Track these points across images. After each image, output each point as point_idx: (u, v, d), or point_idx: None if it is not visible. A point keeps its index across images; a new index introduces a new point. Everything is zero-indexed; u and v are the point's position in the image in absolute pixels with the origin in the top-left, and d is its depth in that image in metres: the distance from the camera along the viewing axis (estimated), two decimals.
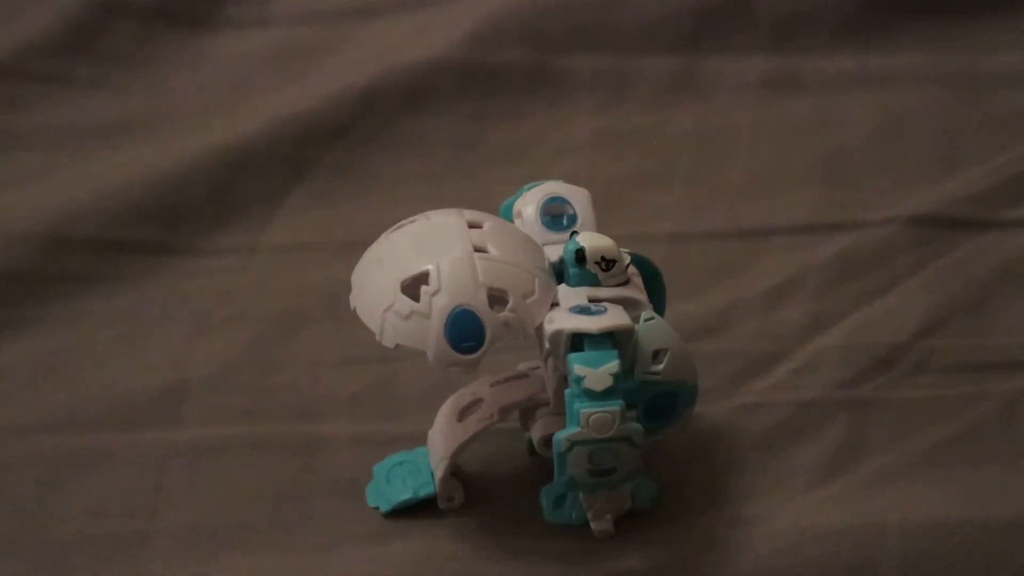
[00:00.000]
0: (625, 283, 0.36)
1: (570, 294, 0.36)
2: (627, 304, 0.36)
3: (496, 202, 0.40)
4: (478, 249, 0.36)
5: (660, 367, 0.36)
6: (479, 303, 0.35)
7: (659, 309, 0.38)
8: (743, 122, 0.51)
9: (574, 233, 0.36)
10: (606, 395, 0.34)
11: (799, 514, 0.38)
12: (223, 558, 0.37)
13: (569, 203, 0.38)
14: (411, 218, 0.37)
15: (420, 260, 0.35)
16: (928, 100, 0.51)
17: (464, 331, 0.35)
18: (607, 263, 0.36)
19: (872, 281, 0.45)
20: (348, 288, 0.37)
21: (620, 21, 0.53)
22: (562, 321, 0.35)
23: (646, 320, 0.36)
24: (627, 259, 0.36)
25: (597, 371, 0.34)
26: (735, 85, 0.52)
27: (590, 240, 0.36)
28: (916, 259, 0.46)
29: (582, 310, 0.35)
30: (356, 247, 0.38)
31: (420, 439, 0.39)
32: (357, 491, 0.39)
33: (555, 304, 0.36)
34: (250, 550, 0.37)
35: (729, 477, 0.39)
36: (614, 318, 0.35)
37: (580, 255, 0.36)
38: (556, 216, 0.38)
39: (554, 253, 0.37)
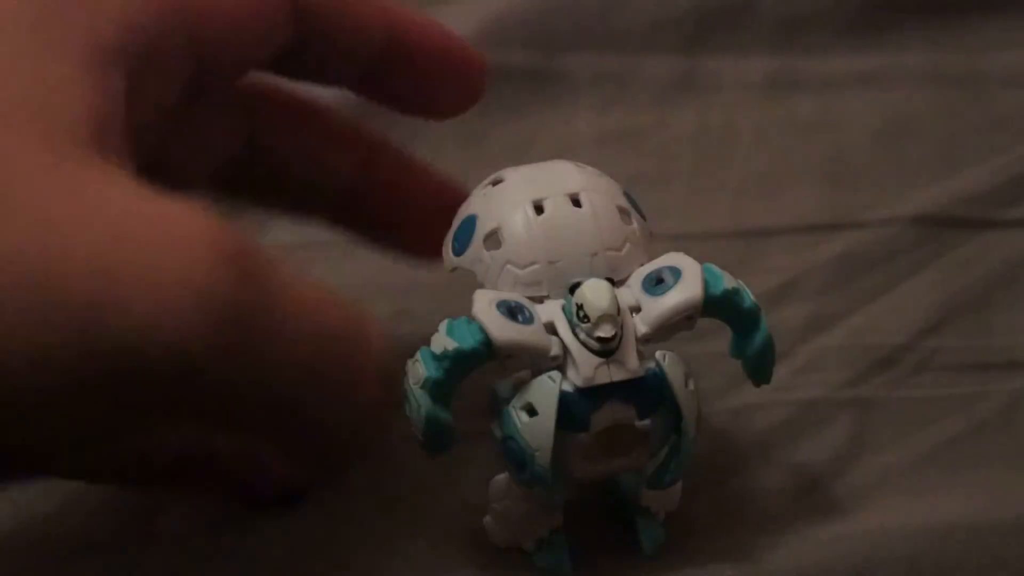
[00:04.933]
0: None
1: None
2: None
3: None
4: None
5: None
6: None
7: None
8: (745, 122, 0.51)
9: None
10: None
11: (800, 515, 0.38)
12: (226, 557, 0.37)
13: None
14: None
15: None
16: (930, 100, 0.51)
17: None
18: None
19: (874, 281, 0.45)
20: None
21: (622, 21, 0.53)
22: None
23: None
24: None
25: None
26: (737, 85, 0.52)
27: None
28: (918, 259, 0.46)
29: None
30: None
31: None
32: None
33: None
34: (253, 549, 0.37)
35: (729, 478, 0.39)
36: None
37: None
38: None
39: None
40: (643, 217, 0.36)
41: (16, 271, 0.26)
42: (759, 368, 0.35)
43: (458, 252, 0.35)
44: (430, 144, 0.50)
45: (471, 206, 0.35)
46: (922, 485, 0.39)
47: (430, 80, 0.35)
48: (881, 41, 0.53)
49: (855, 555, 0.36)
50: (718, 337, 0.41)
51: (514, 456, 0.33)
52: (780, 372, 0.42)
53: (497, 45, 0.52)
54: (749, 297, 0.34)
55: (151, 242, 0.27)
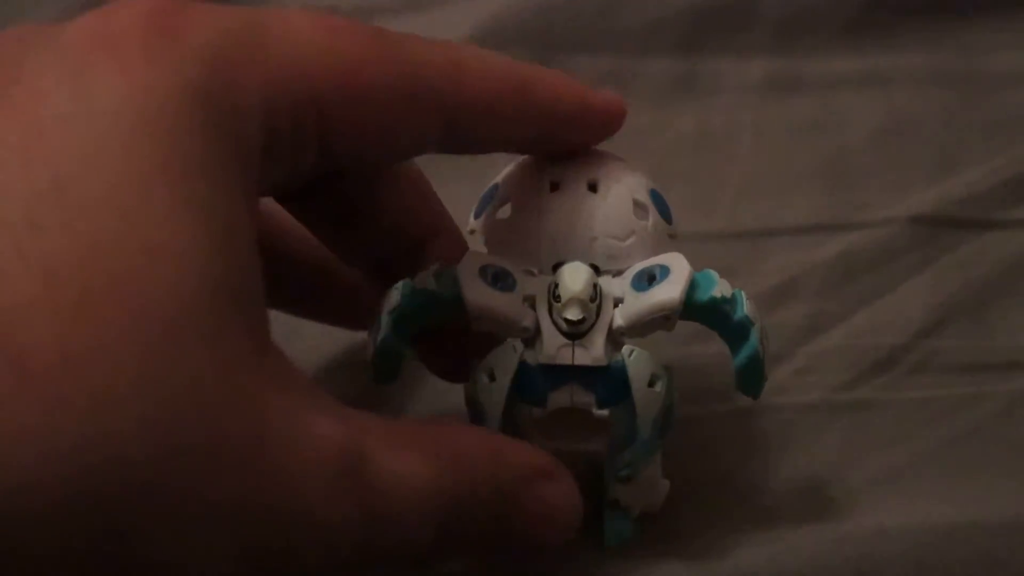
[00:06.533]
0: None
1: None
2: None
3: None
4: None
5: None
6: None
7: None
8: (744, 122, 0.51)
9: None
10: None
11: (800, 515, 0.38)
12: None
13: None
14: None
15: None
16: (929, 100, 0.51)
17: None
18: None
19: (873, 281, 0.45)
20: None
21: (621, 21, 0.53)
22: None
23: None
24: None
25: None
26: (736, 85, 0.52)
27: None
28: (917, 259, 0.46)
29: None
30: None
31: None
32: None
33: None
34: None
35: (729, 480, 0.39)
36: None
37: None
38: None
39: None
40: (667, 218, 0.36)
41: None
42: (746, 382, 0.35)
43: (476, 215, 0.36)
44: None
45: (501, 174, 0.36)
46: (922, 486, 0.39)
47: (574, 140, 0.35)
48: (881, 41, 0.53)
49: (855, 555, 0.36)
50: (719, 339, 0.41)
51: (474, 417, 0.34)
52: (780, 373, 0.42)
53: (495, 45, 0.52)
54: (743, 309, 0.34)
55: (298, 469, 0.27)
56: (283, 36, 0.29)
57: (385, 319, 0.33)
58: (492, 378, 0.33)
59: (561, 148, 0.35)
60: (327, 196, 0.35)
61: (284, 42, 0.29)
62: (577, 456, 0.35)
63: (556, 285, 0.33)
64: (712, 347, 0.38)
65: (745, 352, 0.34)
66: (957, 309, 0.44)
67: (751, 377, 0.35)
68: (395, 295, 0.33)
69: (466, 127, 0.32)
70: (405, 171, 0.36)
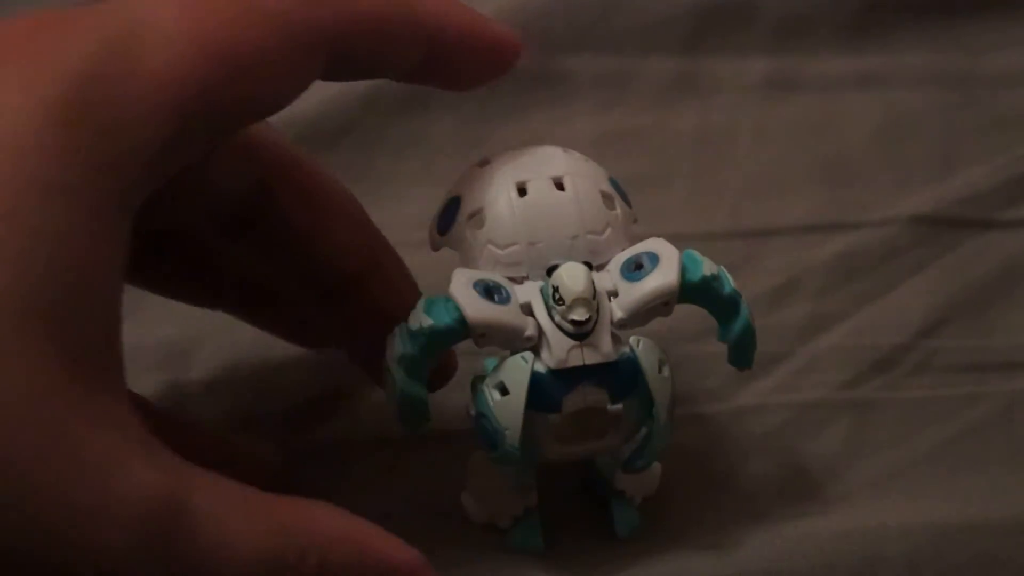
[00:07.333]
0: None
1: None
2: None
3: None
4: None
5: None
6: None
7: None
8: (744, 122, 0.51)
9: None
10: None
11: (800, 516, 0.38)
12: None
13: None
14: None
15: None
16: (929, 100, 0.51)
17: None
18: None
19: (873, 281, 0.45)
20: None
21: (621, 22, 0.53)
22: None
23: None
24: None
25: None
26: (736, 85, 0.52)
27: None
28: (917, 259, 0.46)
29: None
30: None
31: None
32: None
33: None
34: None
35: (729, 479, 0.39)
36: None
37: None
38: None
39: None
40: (628, 204, 0.36)
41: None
42: (740, 354, 0.35)
43: (442, 231, 0.35)
44: (430, 146, 0.50)
45: (457, 187, 0.36)
46: (921, 485, 0.39)
47: (466, 70, 0.34)
48: (881, 41, 0.53)
49: (855, 554, 0.36)
50: (717, 338, 0.41)
51: (486, 434, 0.34)
52: (780, 373, 0.42)
53: None
54: (729, 283, 0.34)
55: (97, 509, 0.26)
56: (157, 38, 0.29)
57: (396, 371, 0.33)
58: (504, 392, 0.33)
59: (452, 80, 0.35)
60: (261, 231, 0.35)
61: (159, 46, 0.28)
62: (591, 455, 0.35)
63: (556, 288, 0.33)
64: (709, 346, 0.38)
65: (739, 325, 0.35)
66: (957, 309, 0.44)
67: (745, 349, 0.35)
68: (397, 344, 0.33)
69: (350, 54, 0.32)
70: (339, 203, 0.36)
